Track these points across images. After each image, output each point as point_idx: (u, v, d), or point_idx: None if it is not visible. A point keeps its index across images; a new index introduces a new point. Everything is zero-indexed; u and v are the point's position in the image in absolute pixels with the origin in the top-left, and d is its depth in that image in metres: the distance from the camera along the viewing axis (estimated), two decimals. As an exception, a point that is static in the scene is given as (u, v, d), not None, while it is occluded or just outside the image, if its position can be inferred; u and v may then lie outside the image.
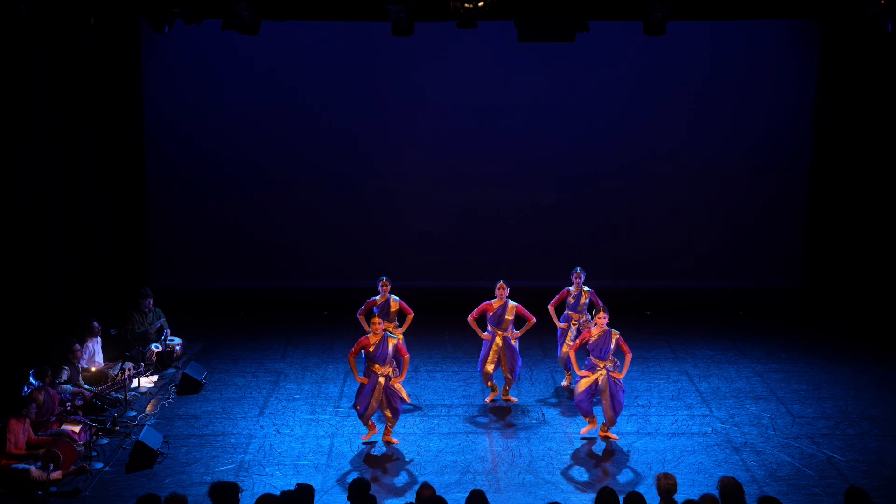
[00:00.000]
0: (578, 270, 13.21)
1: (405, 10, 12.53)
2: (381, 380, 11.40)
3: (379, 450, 11.56)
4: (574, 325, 13.12)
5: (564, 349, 13.15)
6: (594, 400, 11.70)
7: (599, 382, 11.57)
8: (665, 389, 13.43)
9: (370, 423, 11.64)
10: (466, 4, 12.20)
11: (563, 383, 13.52)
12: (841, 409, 12.73)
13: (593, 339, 11.59)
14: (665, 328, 15.88)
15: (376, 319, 11.45)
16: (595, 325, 11.62)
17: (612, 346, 11.54)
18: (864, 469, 11.04)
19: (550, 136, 16.80)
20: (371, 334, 11.45)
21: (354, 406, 11.61)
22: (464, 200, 16.95)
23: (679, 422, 12.35)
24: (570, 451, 11.52)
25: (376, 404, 11.45)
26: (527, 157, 16.84)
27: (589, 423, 11.85)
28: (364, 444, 11.63)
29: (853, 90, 15.93)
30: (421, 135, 16.81)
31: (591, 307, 13.03)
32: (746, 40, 16.44)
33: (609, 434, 11.80)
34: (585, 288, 13.19)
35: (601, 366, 11.57)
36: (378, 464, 11.20)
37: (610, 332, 11.55)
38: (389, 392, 11.45)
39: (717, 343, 15.26)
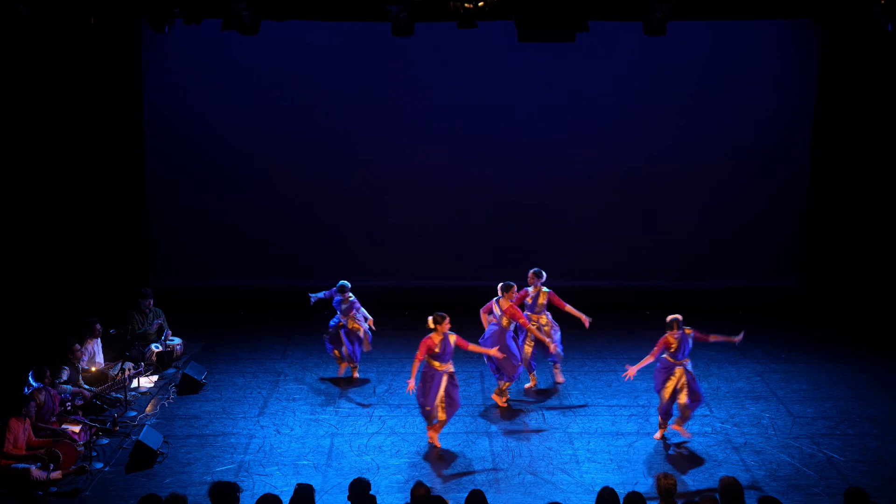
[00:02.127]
0: (536, 271, 13.13)
1: (405, 10, 12.53)
2: (445, 377, 11.49)
3: (378, 451, 11.55)
4: (533, 324, 13.06)
5: (527, 349, 13.15)
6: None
7: (679, 380, 11.60)
8: (665, 389, 13.42)
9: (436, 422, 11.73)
10: (466, 4, 12.20)
11: (528, 385, 13.41)
12: (841, 409, 12.74)
13: (674, 347, 11.62)
14: (665, 328, 15.84)
15: (435, 318, 11.43)
16: (676, 336, 11.61)
17: (691, 345, 11.64)
18: (864, 469, 11.05)
19: (550, 136, 16.79)
20: (434, 334, 11.47)
21: (422, 406, 11.57)
22: (464, 200, 16.95)
23: (679, 422, 12.35)
24: (570, 451, 11.52)
25: (440, 401, 11.53)
26: (526, 158, 16.84)
27: (661, 428, 11.84)
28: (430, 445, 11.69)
29: (853, 90, 15.94)
30: (421, 135, 16.81)
31: (551, 307, 13.14)
32: (746, 40, 16.44)
33: (681, 429, 11.76)
34: (544, 289, 13.14)
35: (678, 364, 11.61)
36: (379, 464, 11.20)
37: (682, 333, 11.58)
38: (450, 390, 11.57)
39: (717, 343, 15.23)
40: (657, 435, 11.86)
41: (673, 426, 11.81)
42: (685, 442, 11.73)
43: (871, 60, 15.62)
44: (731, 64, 16.60)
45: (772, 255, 17.04)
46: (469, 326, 14.59)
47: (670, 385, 11.66)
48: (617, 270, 16.83)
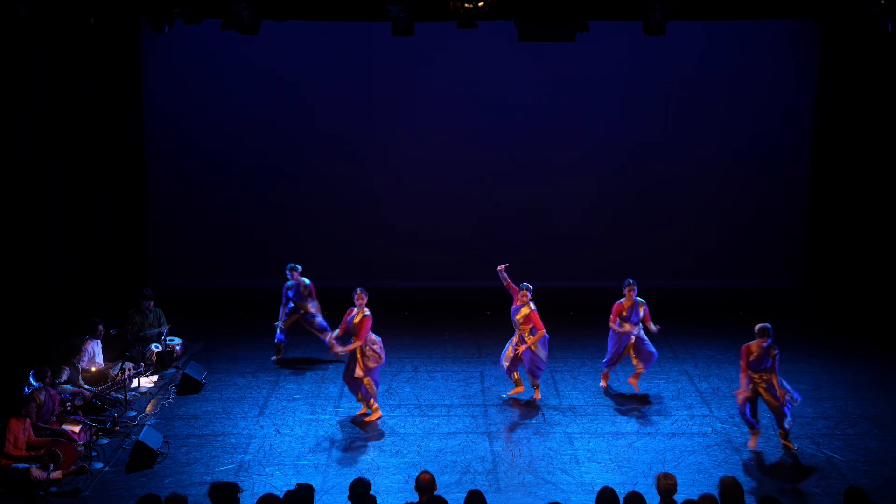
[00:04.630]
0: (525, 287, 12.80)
1: (405, 10, 12.54)
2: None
3: (378, 451, 11.56)
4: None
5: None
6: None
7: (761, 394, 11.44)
8: (665, 389, 13.43)
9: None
10: (466, 4, 12.21)
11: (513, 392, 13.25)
12: (841, 409, 12.74)
13: (753, 356, 11.46)
14: (665, 328, 15.84)
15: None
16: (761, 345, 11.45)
17: (771, 363, 11.42)
18: (864, 469, 11.05)
19: (549, 136, 16.79)
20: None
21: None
22: (463, 200, 16.95)
23: (679, 422, 12.35)
24: (570, 451, 11.53)
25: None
26: (526, 158, 16.84)
27: (753, 434, 11.67)
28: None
29: (853, 90, 15.93)
30: (421, 135, 16.80)
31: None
32: (746, 40, 16.44)
33: (789, 443, 11.60)
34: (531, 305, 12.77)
35: (756, 378, 11.44)
36: (379, 464, 11.20)
37: (767, 348, 11.41)
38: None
39: (717, 343, 15.26)
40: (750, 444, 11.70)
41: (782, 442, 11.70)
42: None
43: (871, 60, 15.62)
44: (731, 64, 16.60)
45: (772, 255, 17.04)
46: (469, 326, 14.61)
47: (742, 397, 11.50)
48: (616, 270, 16.79)
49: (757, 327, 11.45)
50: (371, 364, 12.14)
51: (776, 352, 11.45)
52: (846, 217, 16.27)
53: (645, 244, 16.98)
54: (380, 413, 12.39)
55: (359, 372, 12.07)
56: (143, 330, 14.15)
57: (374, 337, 12.20)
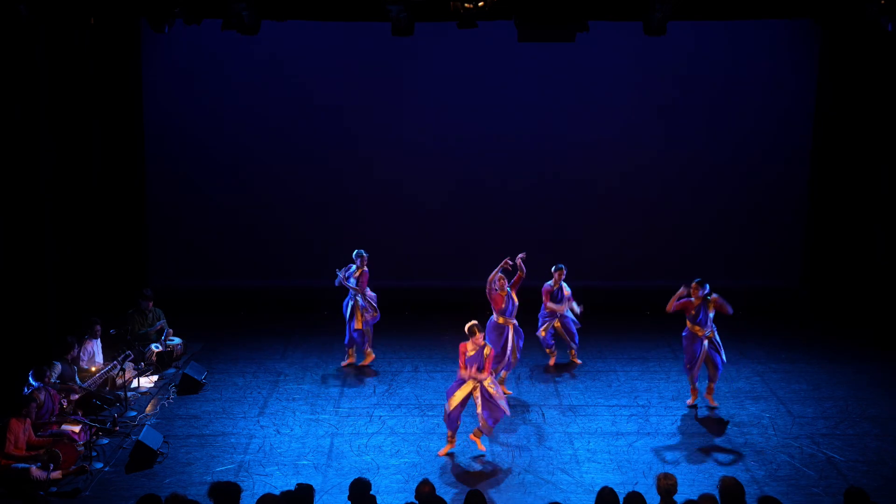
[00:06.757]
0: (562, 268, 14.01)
1: (405, 10, 12.55)
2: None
3: (378, 451, 11.56)
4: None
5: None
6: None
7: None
8: (665, 389, 13.43)
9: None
10: (466, 4, 12.21)
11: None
12: (841, 409, 12.74)
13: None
14: (665, 328, 15.86)
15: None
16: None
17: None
18: (864, 469, 11.06)
19: (549, 136, 16.79)
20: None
21: None
22: (464, 200, 16.95)
23: (679, 422, 12.35)
24: (570, 451, 11.53)
25: None
26: (526, 158, 16.85)
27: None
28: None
29: (853, 90, 15.94)
30: (421, 135, 16.81)
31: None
32: (746, 40, 16.44)
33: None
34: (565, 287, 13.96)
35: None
36: (379, 464, 11.21)
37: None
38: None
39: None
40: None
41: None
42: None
43: (871, 60, 15.63)
44: (731, 64, 16.61)
45: (772, 255, 17.03)
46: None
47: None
48: (617, 270, 16.82)
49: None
50: (368, 317, 13.95)
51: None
52: (846, 217, 16.27)
53: (645, 244, 16.98)
54: (373, 356, 14.10)
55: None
56: (144, 328, 14.16)
57: (371, 293, 14.01)
